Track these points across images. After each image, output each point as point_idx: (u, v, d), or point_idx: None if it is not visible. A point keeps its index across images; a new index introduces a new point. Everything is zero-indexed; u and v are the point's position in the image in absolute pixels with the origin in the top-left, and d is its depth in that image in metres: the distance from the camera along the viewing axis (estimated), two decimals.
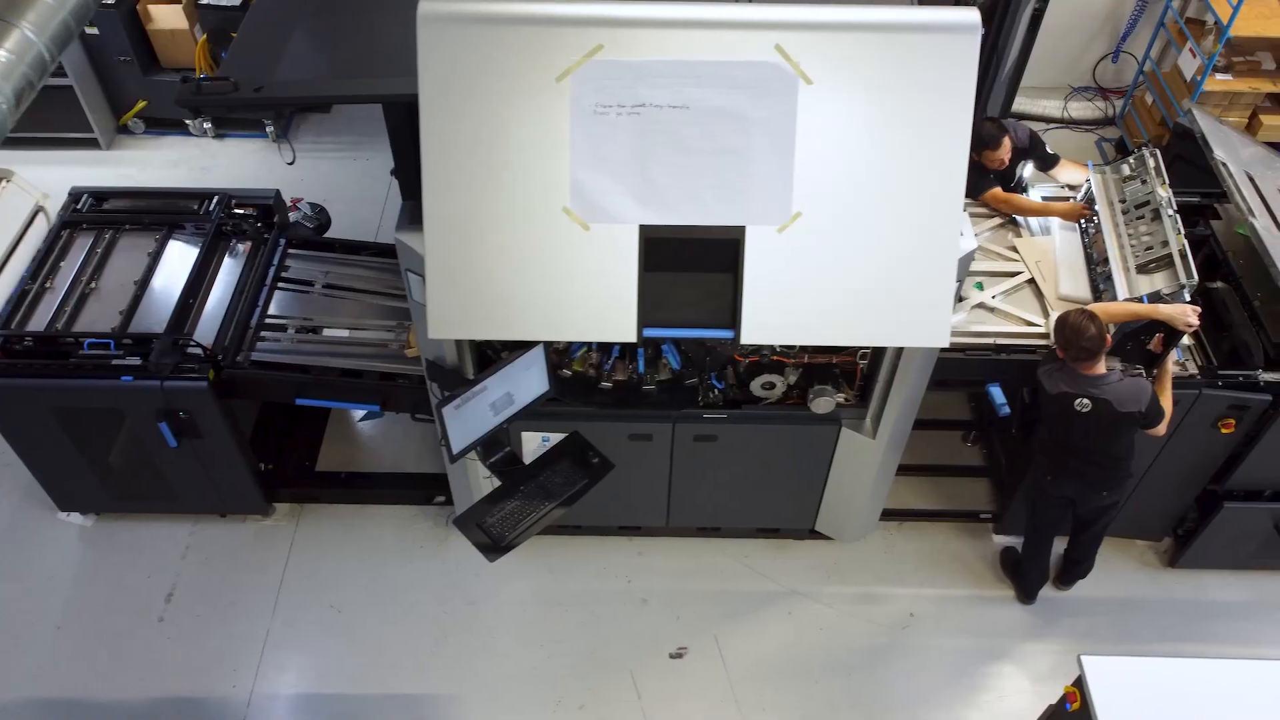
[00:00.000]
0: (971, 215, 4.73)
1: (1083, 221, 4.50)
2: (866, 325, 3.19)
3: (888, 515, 5.07)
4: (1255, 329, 4.28)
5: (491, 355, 3.92)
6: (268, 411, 5.22)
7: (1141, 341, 3.98)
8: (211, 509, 5.00)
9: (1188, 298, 3.83)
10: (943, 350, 4.17)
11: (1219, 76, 6.04)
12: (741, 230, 3.07)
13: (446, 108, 2.95)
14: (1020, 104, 7.33)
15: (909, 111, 2.99)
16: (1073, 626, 4.74)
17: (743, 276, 3.11)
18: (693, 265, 3.13)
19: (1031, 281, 4.43)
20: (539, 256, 3.08)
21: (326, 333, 4.59)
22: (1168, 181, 4.23)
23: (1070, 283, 4.33)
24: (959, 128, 2.99)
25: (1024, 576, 4.71)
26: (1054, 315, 4.01)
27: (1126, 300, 3.98)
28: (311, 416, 5.36)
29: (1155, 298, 3.91)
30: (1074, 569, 4.68)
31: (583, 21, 2.91)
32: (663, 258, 3.11)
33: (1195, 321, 3.78)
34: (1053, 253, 4.47)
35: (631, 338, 3.17)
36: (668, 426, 4.18)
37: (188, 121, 6.94)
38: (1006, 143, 4.56)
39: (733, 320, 3.17)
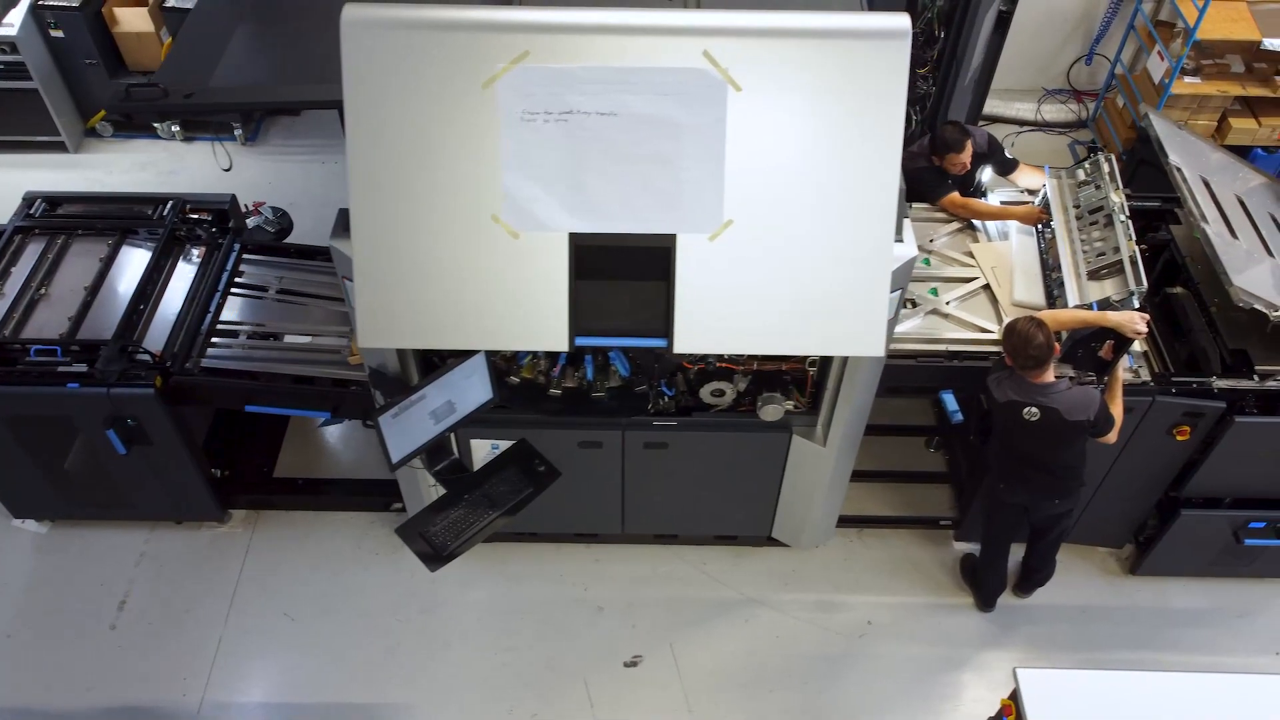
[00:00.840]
0: (929, 220, 4.71)
1: (1040, 226, 4.47)
2: (801, 334, 3.16)
3: (847, 522, 5.04)
4: (1212, 335, 4.25)
5: (436, 362, 3.89)
6: (224, 417, 5.19)
7: (1092, 349, 3.94)
8: (166, 515, 4.96)
9: (1137, 304, 3.80)
10: (894, 357, 4.17)
11: (1187, 79, 6.00)
12: (673, 238, 3.04)
13: (372, 115, 2.92)
14: (993, 106, 7.30)
15: (840, 118, 2.95)
16: (1032, 634, 4.70)
17: (675, 284, 3.07)
18: (625, 273, 3.10)
19: (987, 287, 4.40)
20: (469, 264, 3.05)
21: (286, 339, 4.56)
22: (1122, 186, 4.20)
23: (1025, 289, 4.30)
24: (890, 134, 2.95)
25: (982, 584, 4.68)
26: (1007, 321, 3.98)
27: (1076, 307, 3.95)
28: (271, 422, 5.33)
29: (1105, 304, 3.87)
30: (1032, 576, 4.65)
31: (508, 27, 2.88)
32: (595, 265, 3.08)
33: (1143, 329, 3.75)
34: (1009, 258, 4.44)
35: (564, 346, 3.14)
36: (617, 434, 4.15)
37: (155, 125, 6.91)
38: (969, 147, 4.53)
39: (666, 329, 3.13)
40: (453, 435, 4.12)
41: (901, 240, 3.36)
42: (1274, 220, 4.42)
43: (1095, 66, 7.32)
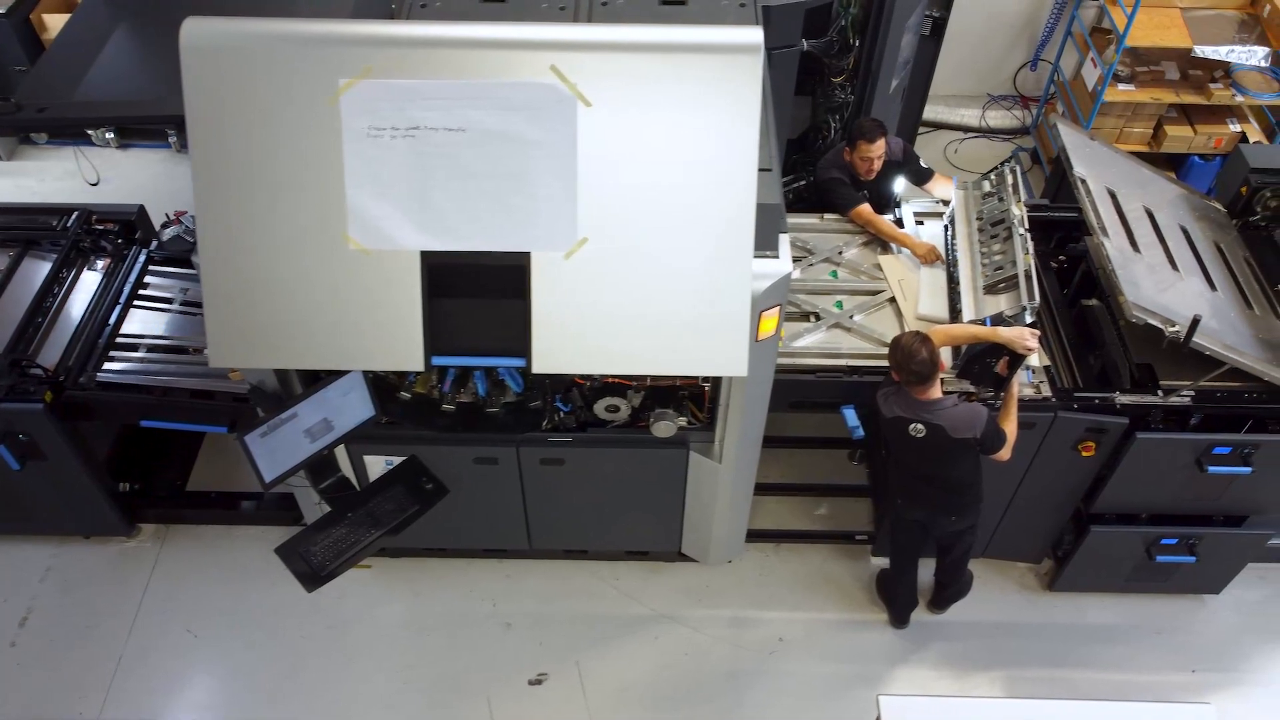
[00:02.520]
0: (841, 231, 4.65)
1: (948, 236, 4.40)
2: (663, 354, 3.09)
3: (764, 536, 4.99)
4: (1122, 348, 4.19)
5: (324, 378, 3.82)
6: (136, 430, 5.11)
7: (988, 364, 3.88)
8: (72, 530, 4.90)
9: (1029, 320, 3.73)
10: (794, 372, 4.12)
11: (1121, 87, 5.94)
12: (527, 256, 2.98)
13: (216, 132, 2.86)
14: (937, 113, 7.24)
15: (693, 134, 2.89)
16: (944, 651, 4.64)
17: (531, 303, 3.01)
18: (482, 291, 3.04)
19: (893, 300, 4.34)
20: (320, 283, 2.99)
21: (189, 352, 4.50)
22: (1033, 197, 4.13)
23: (930, 302, 4.24)
24: (745, 149, 2.88)
25: (893, 601, 4.61)
26: (894, 336, 3.91)
27: (970, 322, 3.88)
28: (186, 434, 5.26)
29: (998, 319, 3.81)
30: (942, 592, 4.59)
31: (352, 41, 2.81)
32: (451, 283, 3.02)
33: (1033, 345, 3.69)
34: (917, 271, 4.38)
35: (419, 366, 3.08)
36: (512, 450, 4.08)
37: (90, 132, 6.85)
38: (881, 143, 4.45)
39: (524, 348, 3.07)
40: (346, 452, 4.08)
41: (776, 256, 3.31)
42: (1184, 233, 4.36)
43: (1040, 72, 7.25)
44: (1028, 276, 3.83)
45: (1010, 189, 4.18)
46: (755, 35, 2.81)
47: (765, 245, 3.29)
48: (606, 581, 4.85)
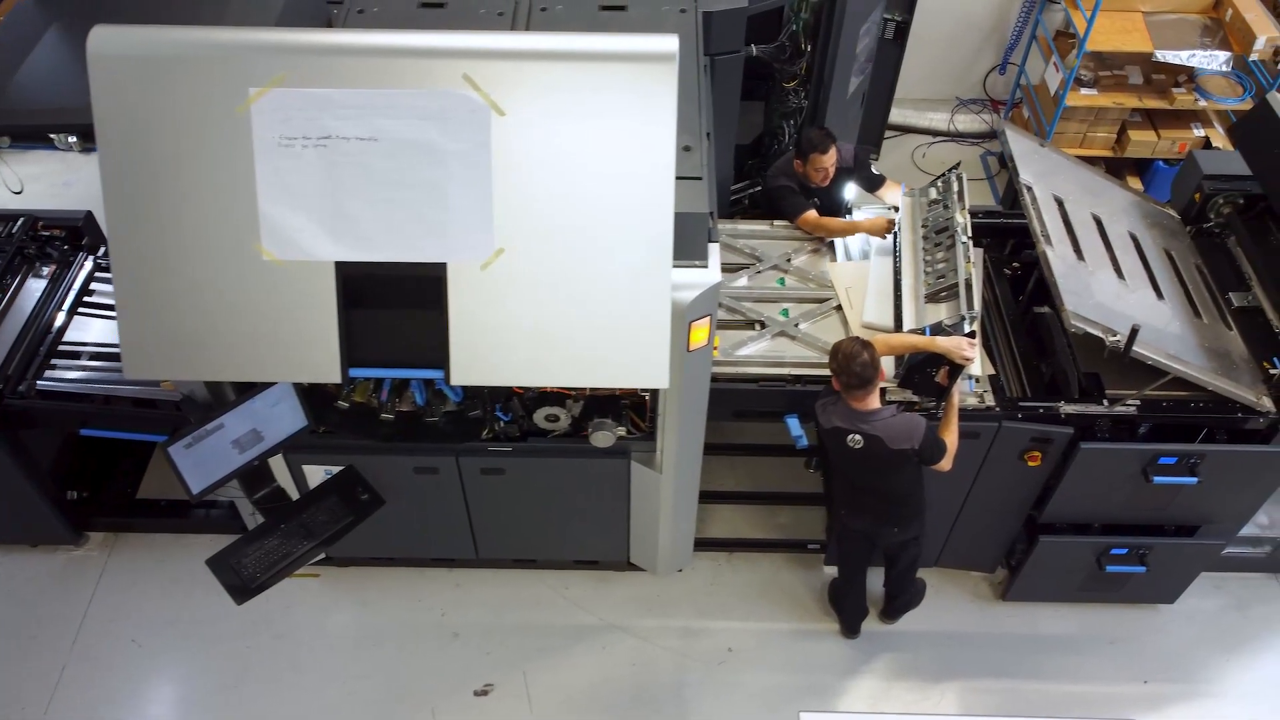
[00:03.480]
0: (789, 239, 4.61)
1: (895, 245, 4.36)
2: (583, 366, 3.05)
3: (716, 545, 4.95)
4: (1071, 357, 4.15)
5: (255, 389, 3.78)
6: (85, 437, 5.08)
7: (928, 374, 3.83)
8: (18, 539, 4.87)
9: (968, 329, 3.69)
10: (736, 381, 4.08)
11: (1084, 91, 5.89)
12: (443, 267, 2.94)
13: (126, 141, 2.83)
14: (905, 117, 7.21)
15: (610, 144, 2.85)
16: (894, 661, 4.60)
17: (449, 314, 2.97)
18: (400, 302, 3.00)
19: (840, 308, 4.30)
20: (233, 294, 2.95)
21: None
22: (967, 206, 4.09)
23: (876, 310, 4.19)
24: (661, 159, 2.84)
25: (841, 610, 4.58)
26: (835, 342, 3.87)
27: (910, 331, 3.85)
28: (137, 442, 5.20)
29: (938, 329, 3.77)
30: (892, 603, 4.55)
31: (263, 49, 2.77)
32: (367, 294, 2.98)
33: (971, 354, 3.64)
34: (865, 278, 4.34)
35: (336, 378, 3.04)
36: (452, 460, 4.05)
37: (52, 136, 6.79)
38: (833, 151, 4.42)
39: (443, 359, 3.03)
40: (285, 461, 4.04)
41: (705, 266, 3.28)
42: (1134, 241, 4.32)
43: (1010, 76, 7.21)
44: (968, 286, 3.79)
45: (956, 196, 4.14)
46: (670, 44, 2.77)
47: (693, 255, 3.26)
48: (556, 591, 4.81)
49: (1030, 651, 4.64)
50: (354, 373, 3.06)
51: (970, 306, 3.71)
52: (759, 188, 5.28)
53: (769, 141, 5.25)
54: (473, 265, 2.93)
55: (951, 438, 3.72)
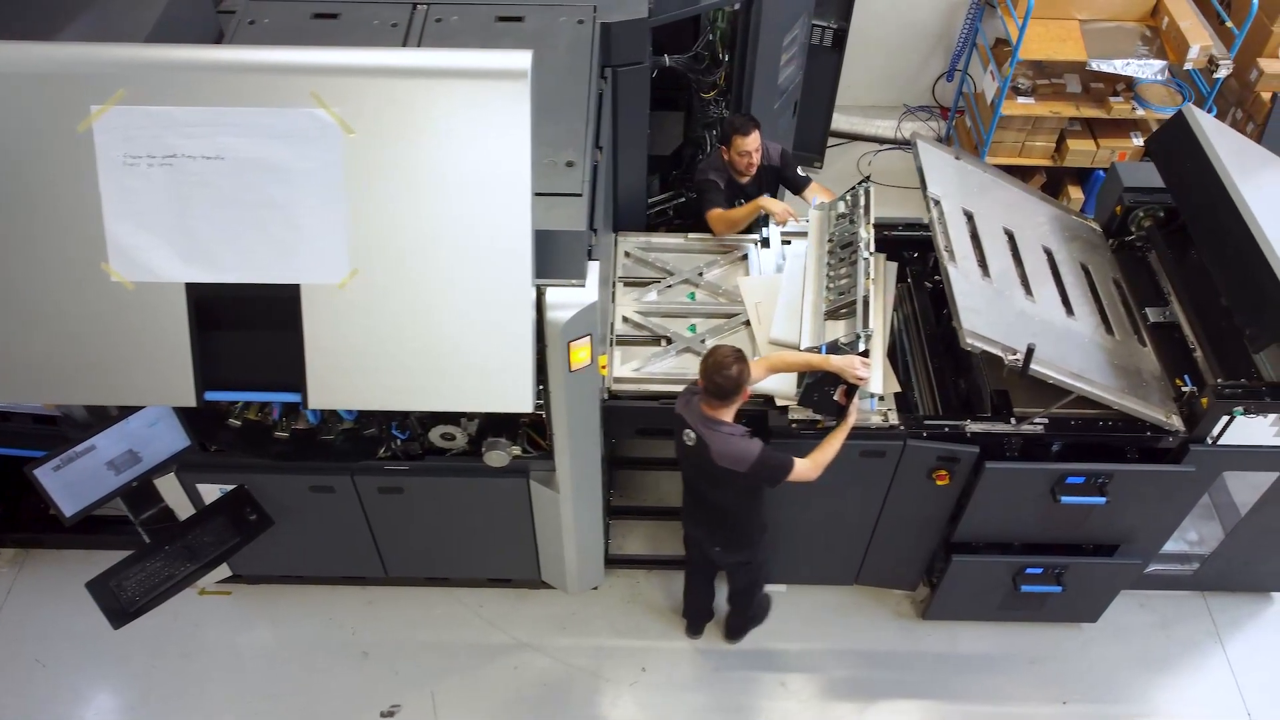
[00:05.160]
0: (704, 252, 4.54)
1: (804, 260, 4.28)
2: (445, 387, 2.98)
3: (632, 563, 4.88)
4: (983, 374, 4.07)
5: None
6: None
7: (827, 392, 3.75)
8: None
9: (862, 348, 3.61)
10: (639, 398, 4.00)
11: (1021, 100, 5.82)
12: (297, 288, 2.86)
13: None
14: (852, 124, 7.14)
15: (465, 162, 2.78)
16: (811, 681, 4.52)
17: (305, 336, 2.90)
18: (255, 323, 2.93)
19: (749, 324, 4.22)
20: (82, 316, 2.88)
21: None
22: (873, 221, 4.01)
23: (783, 326, 4.11)
24: (517, 177, 2.77)
25: (684, 608, 4.60)
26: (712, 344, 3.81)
27: (807, 349, 3.77)
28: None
29: (834, 347, 3.69)
30: (729, 621, 4.56)
31: (104, 65, 2.70)
32: (221, 316, 2.91)
33: (864, 374, 3.56)
34: (776, 294, 4.26)
35: (190, 401, 2.97)
36: (348, 479, 3.97)
37: None
38: (755, 135, 4.34)
39: (300, 382, 2.96)
40: (179, 481, 3.97)
41: (582, 285, 3.20)
42: (1048, 255, 4.24)
43: (957, 83, 7.14)
44: (865, 303, 3.71)
45: (862, 211, 4.06)
46: (522, 61, 2.70)
47: (570, 273, 3.18)
48: (471, 609, 4.74)
49: (950, 671, 4.57)
50: (210, 396, 2.99)
51: (866, 325, 3.63)
52: (683, 199, 5.21)
53: (691, 151, 5.17)
54: (328, 286, 2.86)
55: (828, 452, 3.60)
